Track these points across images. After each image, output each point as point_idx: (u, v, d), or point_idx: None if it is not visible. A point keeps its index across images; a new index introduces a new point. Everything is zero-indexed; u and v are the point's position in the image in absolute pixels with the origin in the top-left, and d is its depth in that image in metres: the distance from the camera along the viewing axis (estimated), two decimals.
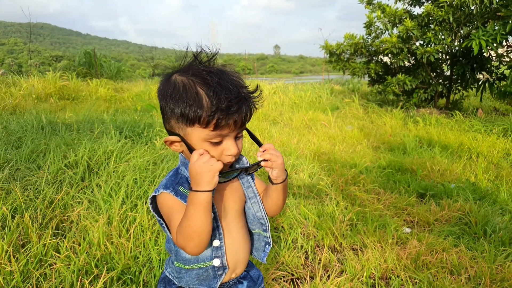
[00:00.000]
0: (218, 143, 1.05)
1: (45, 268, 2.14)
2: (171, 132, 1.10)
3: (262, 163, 1.12)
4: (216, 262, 1.16)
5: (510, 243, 2.62)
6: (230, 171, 1.07)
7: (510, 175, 4.11)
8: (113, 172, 3.18)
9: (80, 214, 2.62)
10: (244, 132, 1.16)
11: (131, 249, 2.29)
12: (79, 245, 2.34)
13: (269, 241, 1.28)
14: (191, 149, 1.05)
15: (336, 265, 2.43)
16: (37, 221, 2.48)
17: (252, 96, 1.08)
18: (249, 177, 1.24)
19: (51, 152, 3.38)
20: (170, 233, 1.14)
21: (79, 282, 2.03)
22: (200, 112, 1.00)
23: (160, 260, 2.24)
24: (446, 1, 7.64)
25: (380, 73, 9.38)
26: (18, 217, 2.43)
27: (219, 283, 1.19)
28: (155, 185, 2.95)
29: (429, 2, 8.55)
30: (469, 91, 9.28)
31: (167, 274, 1.28)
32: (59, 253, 2.27)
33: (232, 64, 1.15)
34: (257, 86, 1.11)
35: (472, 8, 7.54)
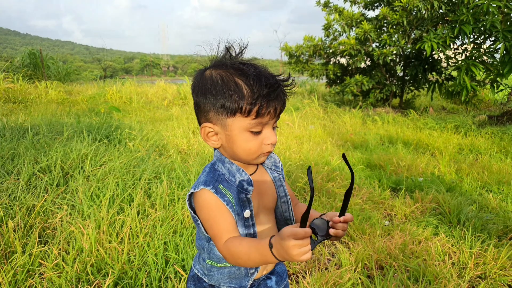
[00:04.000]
0: (258, 133, 1.06)
1: (33, 278, 2.02)
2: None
3: (331, 231, 1.02)
4: None
5: (482, 230, 2.82)
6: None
7: (469, 168, 4.41)
8: (91, 175, 3.05)
9: (62, 220, 2.49)
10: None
11: (124, 253, 2.21)
12: (67, 252, 2.23)
13: None
14: None
15: (328, 258, 2.49)
16: (19, 230, 2.33)
17: (285, 84, 1.10)
18: (280, 176, 1.24)
19: (21, 157, 3.18)
20: (207, 233, 1.12)
21: None
22: (241, 101, 1.01)
23: (156, 263, 2.19)
24: (400, 5, 8.05)
25: (338, 74, 9.69)
26: None
27: (250, 282, 1.18)
28: (139, 189, 2.87)
29: (383, 6, 8.96)
30: (420, 91, 9.83)
31: (196, 272, 1.25)
32: (46, 261, 2.15)
33: (256, 58, 1.16)
34: (289, 74, 1.13)
35: (424, 12, 8.00)
